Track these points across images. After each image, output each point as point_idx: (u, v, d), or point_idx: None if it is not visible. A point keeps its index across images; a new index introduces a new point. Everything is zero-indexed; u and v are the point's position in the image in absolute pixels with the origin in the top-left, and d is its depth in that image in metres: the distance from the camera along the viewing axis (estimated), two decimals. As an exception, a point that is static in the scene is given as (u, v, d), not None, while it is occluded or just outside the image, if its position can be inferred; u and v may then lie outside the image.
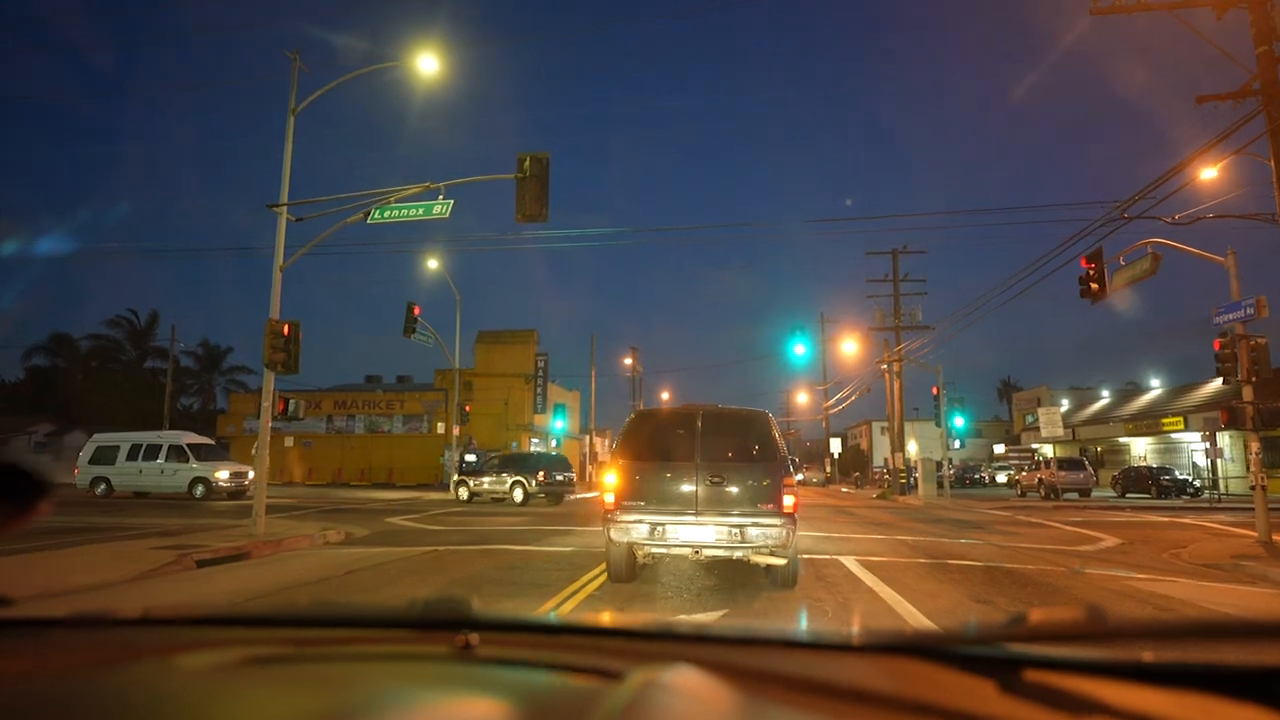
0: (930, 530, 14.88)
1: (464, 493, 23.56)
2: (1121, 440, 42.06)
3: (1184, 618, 1.00)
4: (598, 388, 43.41)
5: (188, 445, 22.99)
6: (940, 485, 30.51)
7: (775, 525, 7.04)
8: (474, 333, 43.48)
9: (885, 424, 42.93)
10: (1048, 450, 41.71)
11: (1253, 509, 21.69)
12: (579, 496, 29.79)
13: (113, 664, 0.98)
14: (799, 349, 38.27)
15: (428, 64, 12.38)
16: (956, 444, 31.45)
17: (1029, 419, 49.68)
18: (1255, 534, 12.73)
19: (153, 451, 22.86)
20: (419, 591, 7.55)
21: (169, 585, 7.89)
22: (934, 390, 30.69)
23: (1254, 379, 12.63)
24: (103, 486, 22.89)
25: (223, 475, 22.31)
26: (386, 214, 11.78)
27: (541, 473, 22.76)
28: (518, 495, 22.58)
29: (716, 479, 7.25)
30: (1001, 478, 45.44)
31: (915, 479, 31.78)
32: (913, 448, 40.26)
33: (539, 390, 41.57)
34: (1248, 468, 31.70)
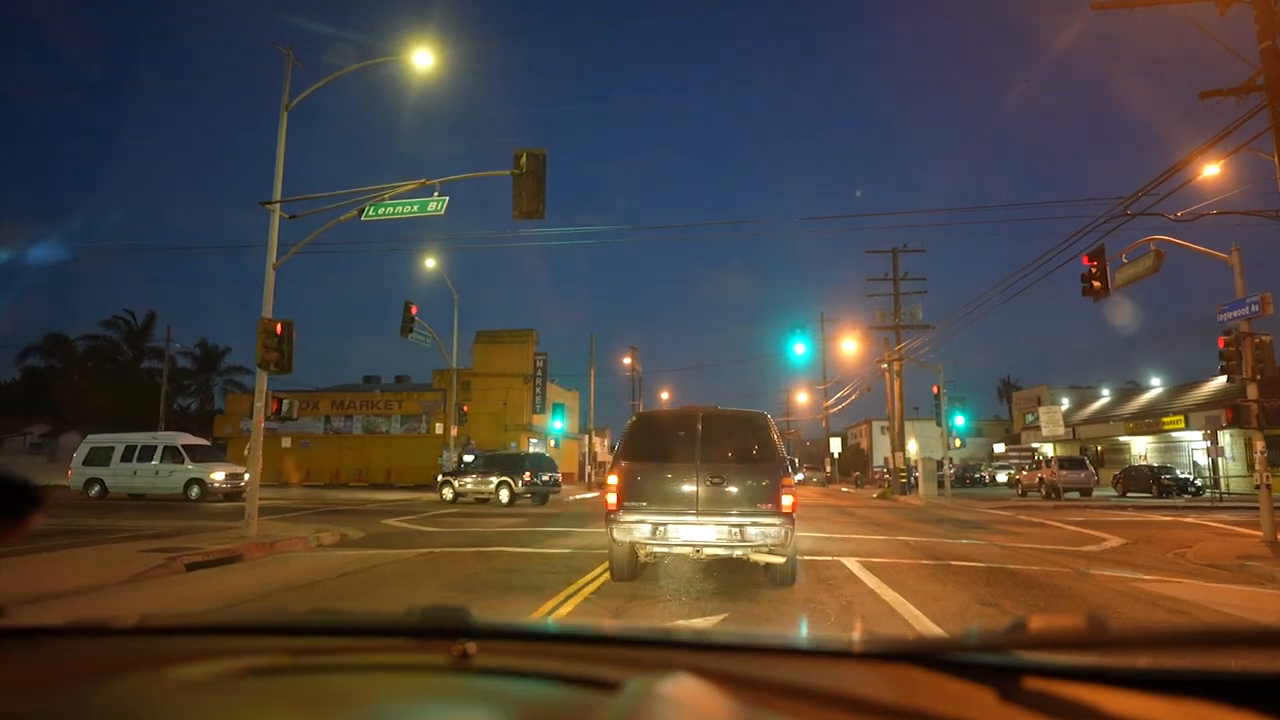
0: (932, 530, 14.74)
1: (448, 493, 23.53)
2: (1122, 439, 41.95)
3: (1185, 625, 0.94)
4: (597, 387, 43.23)
5: (183, 446, 22.82)
6: (941, 485, 30.37)
7: (774, 525, 7.15)
8: (473, 333, 43.38)
9: (885, 423, 42.80)
10: (1048, 449, 41.59)
11: (1256, 508, 21.55)
12: (578, 497, 29.65)
13: (107, 675, 0.97)
14: (799, 348, 38.16)
15: (423, 59, 12.23)
16: (957, 443, 31.31)
17: (1029, 418, 49.57)
18: (1260, 534, 12.59)
19: (147, 453, 22.69)
20: (412, 595, 7.41)
21: (156, 589, 7.74)
22: (934, 389, 30.56)
23: (1259, 377, 12.49)
24: (97, 488, 22.72)
25: (218, 476, 22.13)
26: (381, 211, 11.63)
27: (528, 473, 22.80)
28: (504, 496, 22.59)
29: (716, 480, 7.36)
30: (1002, 477, 45.33)
31: (916, 478, 31.64)
32: (913, 447, 40.13)
33: (538, 390, 41.42)
34: (1249, 467, 31.70)
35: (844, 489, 45.45)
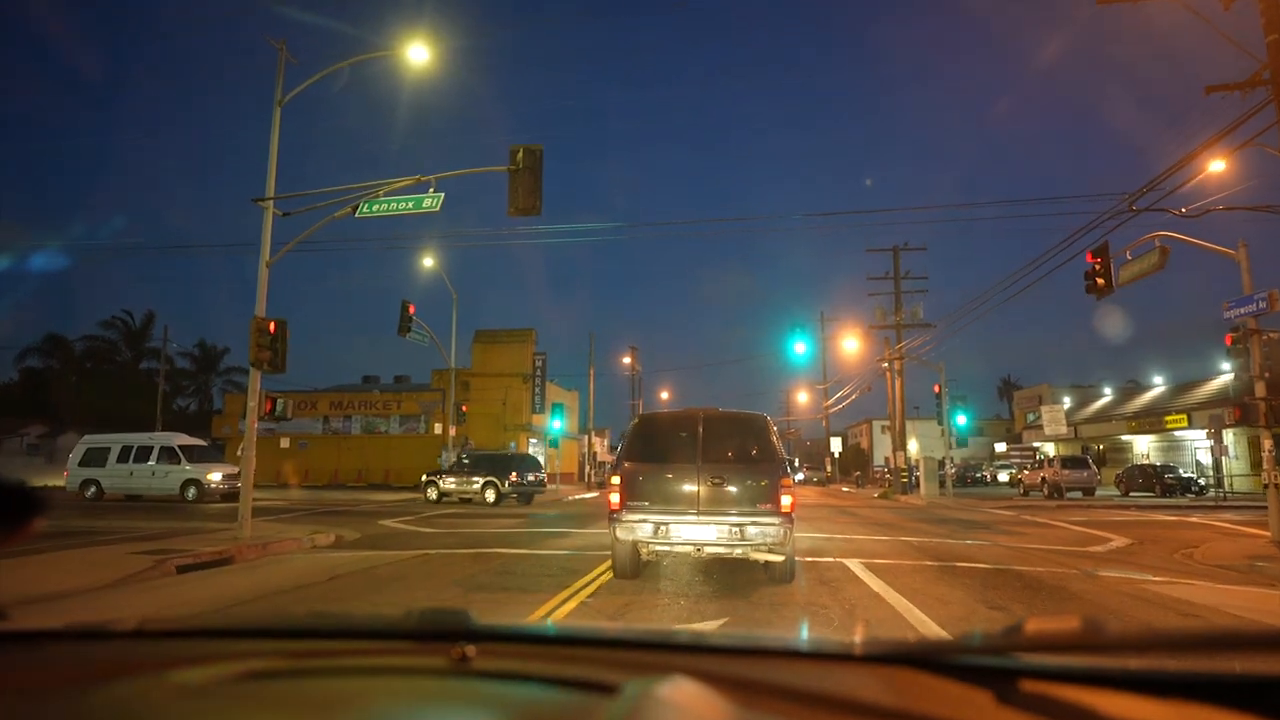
0: (935, 531, 14.56)
1: (433, 493, 23.55)
2: (1124, 438, 41.76)
3: (1184, 628, 0.94)
4: (596, 387, 43.11)
5: (179, 447, 22.64)
6: (942, 484, 30.21)
7: (773, 524, 7.32)
8: (472, 333, 43.21)
9: (886, 423, 42.62)
10: (1049, 449, 41.41)
11: (1261, 507, 21.39)
12: (578, 497, 29.50)
13: (108, 678, 0.96)
14: (799, 347, 37.99)
15: (418, 54, 12.05)
16: (959, 442, 31.14)
17: (1030, 417, 49.41)
18: (1269, 534, 12.43)
19: (144, 453, 22.51)
20: (405, 599, 7.25)
21: (142, 592, 7.57)
22: (935, 388, 30.37)
23: (1267, 374, 12.32)
24: (93, 489, 22.54)
25: (215, 477, 21.95)
26: (375, 208, 11.46)
27: (514, 474, 22.90)
28: (490, 496, 22.68)
29: (717, 480, 7.52)
30: (1003, 476, 45.16)
31: (917, 478, 31.46)
32: (913, 447, 39.93)
33: (537, 390, 41.27)
34: (1253, 465, 31.56)
35: (844, 489, 45.28)
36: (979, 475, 46.43)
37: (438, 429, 35.96)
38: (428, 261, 27.02)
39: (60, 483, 23.18)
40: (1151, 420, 38.08)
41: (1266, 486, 12.56)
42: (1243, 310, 12.49)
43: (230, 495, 21.79)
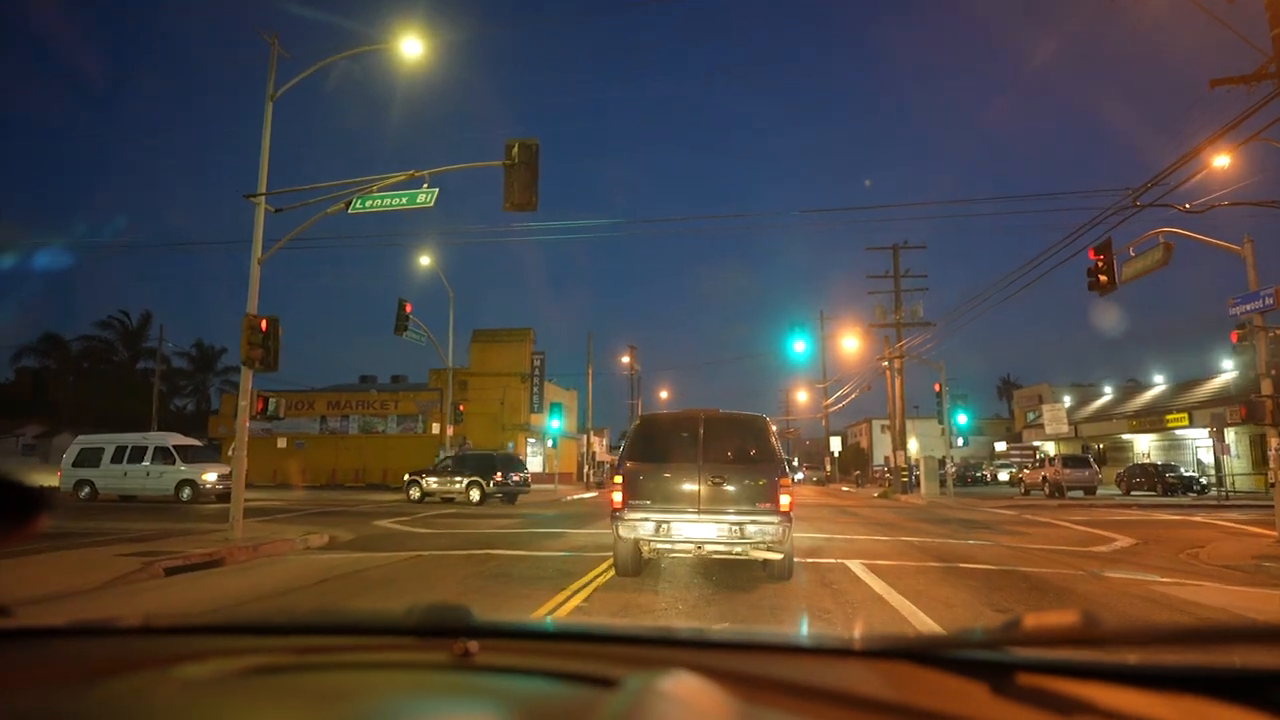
0: (937, 531, 14.39)
1: (415, 493, 23.56)
2: (1124, 437, 41.59)
3: (1180, 622, 0.78)
4: (595, 387, 42.94)
5: (174, 447, 22.45)
6: (943, 484, 30.04)
7: (772, 523, 7.47)
8: (470, 332, 43.04)
9: (886, 422, 42.42)
10: (1049, 448, 41.25)
11: (1264, 506, 21.24)
12: (576, 497, 29.32)
13: (113, 674, 0.97)
14: (799, 345, 37.79)
15: (412, 47, 11.87)
16: (960, 441, 30.97)
17: (1030, 416, 49.28)
18: (1274, 533, 12.27)
19: (138, 453, 22.31)
20: (395, 604, 7.07)
21: (127, 596, 7.39)
22: (936, 387, 30.20)
23: (1273, 372, 12.15)
24: (86, 490, 22.34)
25: (210, 477, 21.75)
26: (369, 204, 11.28)
27: (499, 473, 22.97)
28: (474, 495, 22.77)
29: (718, 480, 7.67)
30: (1003, 476, 44.98)
31: (917, 477, 31.29)
32: (913, 446, 39.77)
33: (535, 389, 41.08)
34: (1254, 464, 31.40)
35: (844, 488, 45.10)
36: (979, 474, 46.26)
37: (435, 429, 35.74)
38: (424, 260, 26.85)
39: (54, 483, 22.98)
40: (1152, 419, 37.91)
41: (1272, 485, 12.40)
42: (1249, 307, 12.32)
43: (226, 496, 21.58)
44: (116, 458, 22.42)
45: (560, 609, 6.54)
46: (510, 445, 39.09)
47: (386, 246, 45.72)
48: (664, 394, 58.17)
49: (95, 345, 50.13)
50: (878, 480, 50.02)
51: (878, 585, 7.65)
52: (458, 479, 23.21)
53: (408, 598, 7.26)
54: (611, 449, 57.11)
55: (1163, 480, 29.53)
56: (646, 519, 7.66)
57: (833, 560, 9.61)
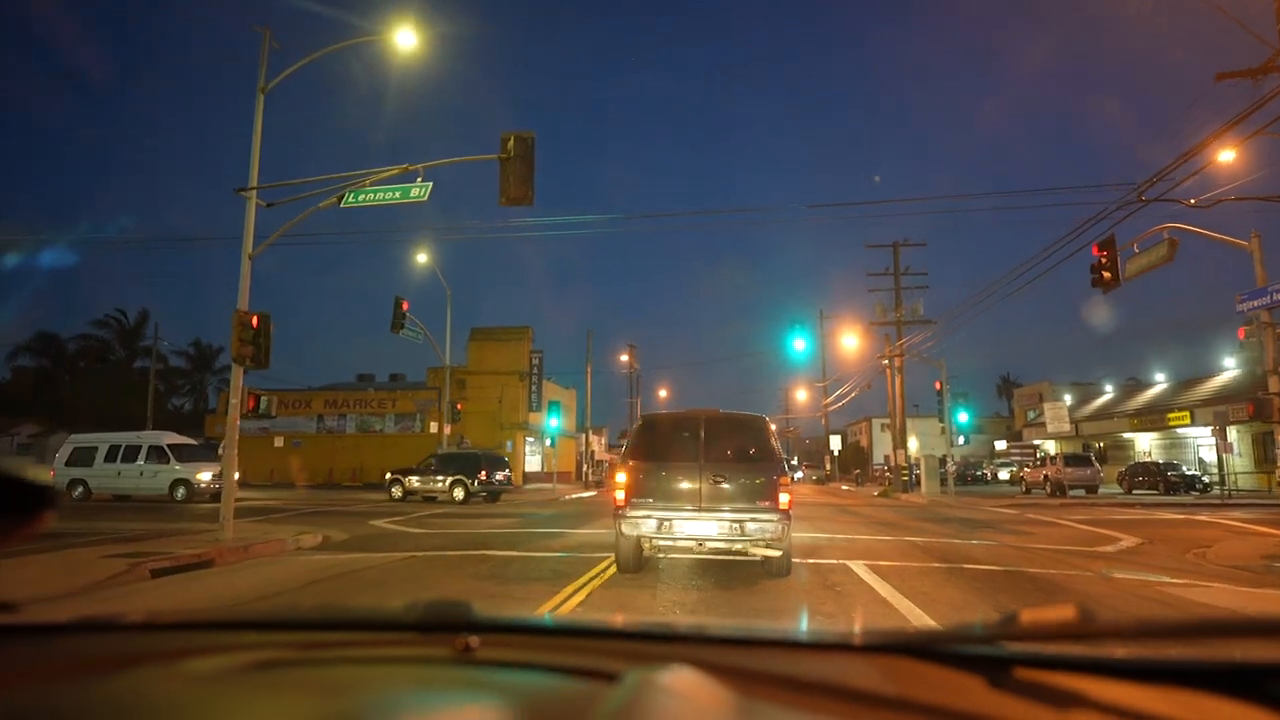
0: (939, 530, 14.20)
1: (398, 491, 23.57)
2: (1125, 436, 41.42)
3: (1176, 616, 0.88)
4: (594, 385, 42.72)
5: (168, 446, 22.25)
6: (943, 482, 29.87)
7: (772, 520, 7.64)
8: (468, 330, 42.81)
9: (885, 421, 42.23)
10: (1050, 446, 41.07)
11: (1268, 505, 21.09)
12: (575, 496, 29.11)
13: (119, 669, 0.97)
14: (798, 343, 37.56)
15: (405, 39, 11.67)
16: (960, 440, 30.79)
17: (1030, 415, 49.09)
18: (1282, 532, 12.10)
19: (132, 453, 22.11)
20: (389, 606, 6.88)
21: (107, 600, 7.17)
22: (937, 385, 30.02)
23: (1281, 369, 11.99)
24: (80, 490, 22.13)
25: (205, 477, 21.56)
26: (361, 198, 11.07)
27: (483, 472, 23.06)
28: (458, 494, 22.87)
29: (719, 478, 7.84)
30: (1004, 474, 44.84)
31: (917, 476, 31.10)
32: (913, 444, 39.60)
33: (533, 388, 40.88)
34: (1256, 463, 31.20)
35: (844, 487, 44.94)
36: (979, 473, 46.12)
37: (433, 428, 35.57)
38: (421, 257, 26.64)
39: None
40: (1154, 417, 37.75)
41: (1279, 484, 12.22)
42: (1256, 303, 12.16)
43: (221, 495, 21.42)
44: (110, 457, 22.22)
45: (558, 611, 6.36)
46: (508, 444, 38.91)
47: (385, 245, 45.63)
48: (663, 393, 58.06)
49: (92, 344, 49.92)
50: (877, 479, 49.86)
51: (881, 587, 7.46)
52: (440, 478, 23.27)
53: (400, 601, 7.06)
54: (610, 448, 56.94)
55: (1165, 479, 29.35)
56: (649, 516, 7.81)
57: (834, 561, 9.42)
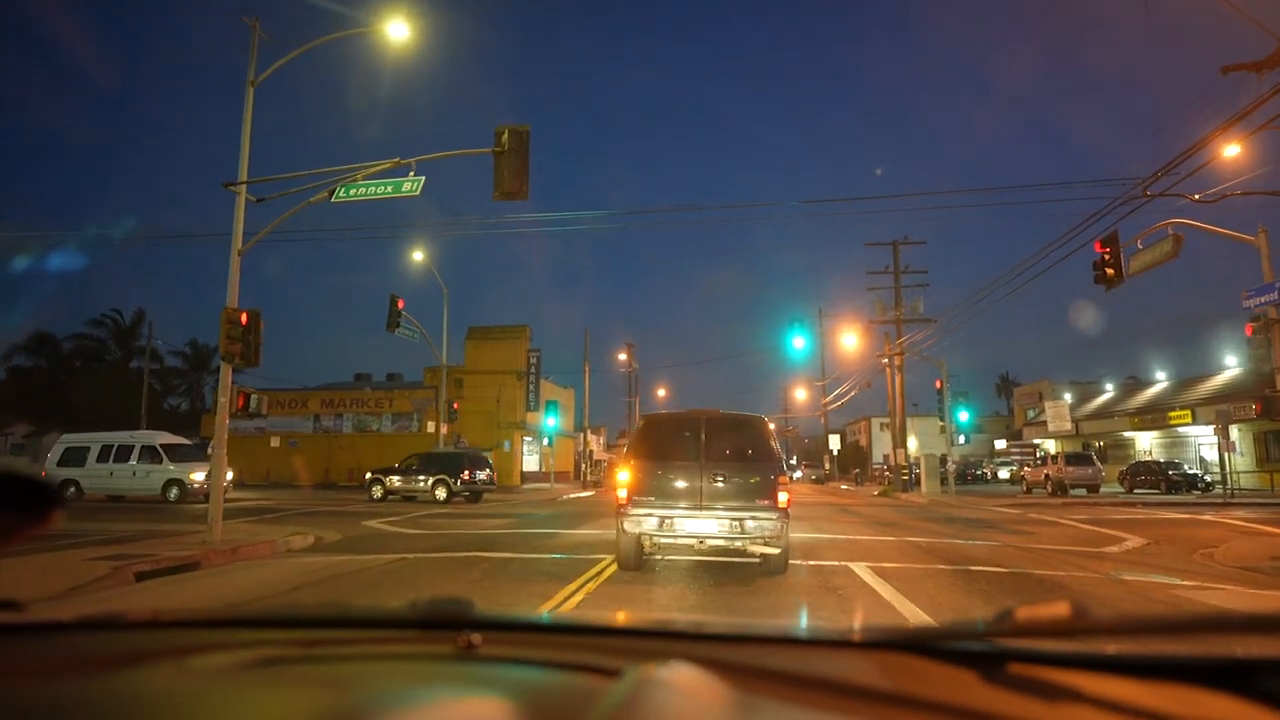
0: (942, 530, 13.99)
1: (378, 491, 23.43)
2: (1126, 435, 41.26)
3: (1169, 613, 0.87)
4: (592, 384, 42.54)
5: (161, 446, 22.00)
6: (944, 481, 29.68)
7: (771, 518, 7.79)
8: (465, 329, 42.57)
9: (884, 420, 42.07)
10: (1050, 445, 40.88)
11: (1273, 504, 20.90)
12: (572, 496, 28.91)
13: (126, 665, 0.98)
14: (798, 342, 37.38)
15: (398, 30, 11.44)
16: (961, 439, 30.60)
17: (1030, 414, 48.90)
18: (1291, 532, 11.90)
19: (124, 453, 21.86)
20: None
21: (83, 606, 6.95)
22: (937, 384, 29.81)
23: (1290, 366, 11.79)
24: (71, 490, 21.84)
25: (199, 477, 21.29)
26: (353, 192, 10.85)
27: (466, 472, 23.00)
28: (440, 494, 22.82)
29: (719, 477, 7.98)
30: (1004, 473, 44.66)
31: (917, 475, 30.90)
32: (913, 444, 39.41)
33: (531, 387, 40.68)
34: (1258, 461, 31.00)
35: (843, 486, 44.75)
36: (979, 472, 45.95)
37: (431, 427, 35.35)
38: (418, 255, 26.42)
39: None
40: (1154, 416, 37.58)
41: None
42: (1263, 299, 11.96)
43: (214, 496, 21.18)
44: (102, 457, 21.96)
45: (558, 611, 6.15)
46: (506, 444, 38.70)
47: (383, 244, 45.35)
48: (661, 392, 57.87)
49: (87, 344, 49.61)
50: (877, 478, 49.69)
51: (885, 590, 7.24)
52: (422, 477, 23.17)
53: (393, 605, 6.84)
54: (608, 447, 56.72)
55: (1167, 478, 29.16)
56: (650, 514, 7.96)
57: (836, 562, 9.21)
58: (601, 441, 56.22)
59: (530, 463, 43.29)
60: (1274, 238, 12.75)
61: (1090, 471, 29.24)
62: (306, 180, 11.44)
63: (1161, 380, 44.79)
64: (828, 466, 55.17)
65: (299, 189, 11.45)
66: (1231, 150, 13.71)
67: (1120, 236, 15.19)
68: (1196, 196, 14.40)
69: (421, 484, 23.14)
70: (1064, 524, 15.56)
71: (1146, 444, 40.34)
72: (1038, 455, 36.95)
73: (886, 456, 43.65)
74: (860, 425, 70.04)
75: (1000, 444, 52.28)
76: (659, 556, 9.23)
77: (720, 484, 7.95)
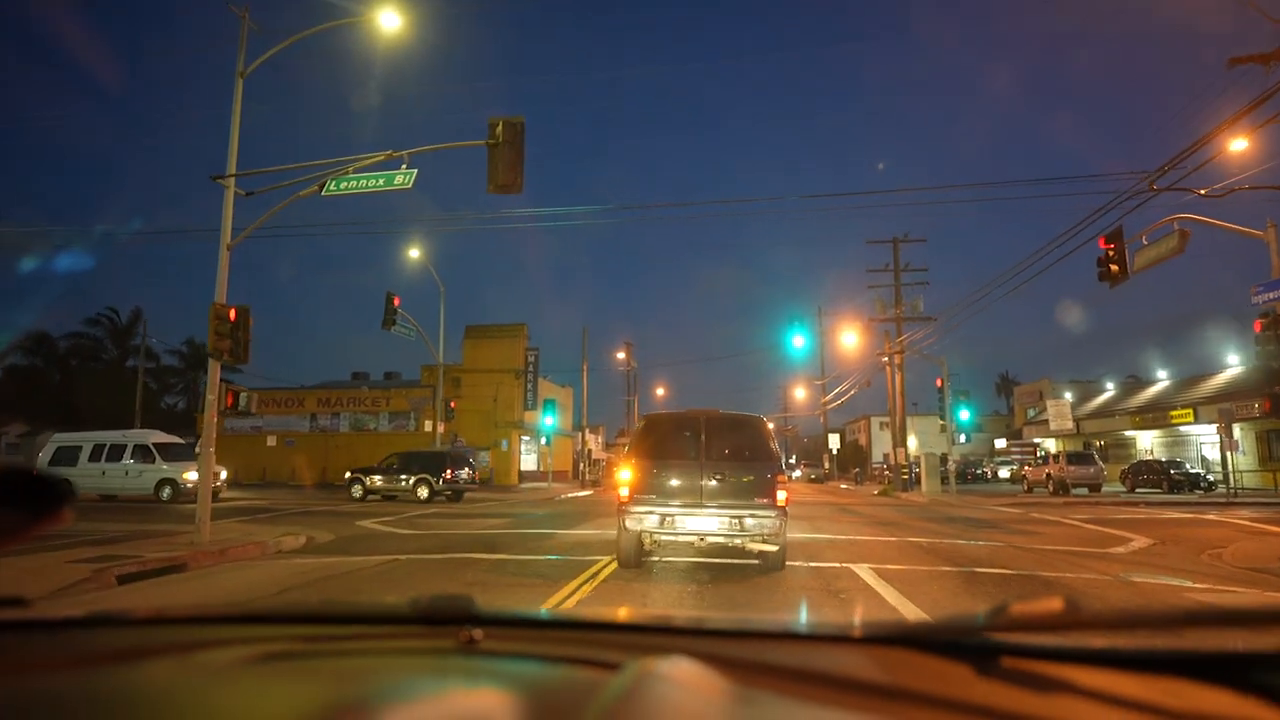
0: (944, 531, 13.78)
1: (358, 490, 23.27)
2: (1127, 433, 41.06)
3: (1161, 607, 0.98)
4: (591, 383, 42.30)
5: (154, 445, 21.77)
6: (944, 481, 29.47)
7: (769, 516, 7.91)
8: (462, 328, 42.33)
9: (884, 419, 41.89)
10: (1050, 444, 40.68)
11: (1277, 504, 20.70)
12: (570, 495, 28.69)
13: (129, 661, 0.99)
14: (798, 340, 37.17)
15: (389, 20, 11.20)
16: (962, 438, 30.37)
17: (1031, 413, 48.69)
18: (1299, 533, 11.69)
19: (116, 452, 21.62)
20: None
21: (76, 605, 6.72)
22: (938, 382, 29.57)
23: (1299, 363, 11.57)
24: (64, 489, 21.65)
25: (192, 476, 20.97)
26: (343, 185, 10.62)
27: (448, 471, 22.83)
28: (423, 493, 22.68)
29: (719, 476, 8.10)
30: (1004, 473, 44.50)
31: (918, 475, 30.69)
32: (913, 443, 39.21)
33: (529, 386, 40.46)
34: (1260, 461, 30.80)
35: (843, 485, 44.55)
36: (979, 472, 45.78)
37: (428, 426, 35.11)
38: (414, 253, 26.19)
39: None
40: (1156, 415, 37.38)
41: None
42: (1272, 295, 11.75)
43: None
44: (95, 456, 21.72)
45: (558, 608, 5.92)
46: (504, 443, 38.49)
47: (380, 242, 45.11)
48: (660, 390, 57.67)
49: (84, 343, 49.27)
50: (877, 478, 49.49)
51: (890, 595, 7.02)
52: (403, 476, 22.97)
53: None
54: (607, 446, 56.51)
55: (1169, 477, 28.94)
56: (651, 512, 8.06)
57: (837, 564, 8.99)
58: (600, 441, 56.00)
59: (528, 462, 43.06)
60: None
61: (1092, 471, 29.03)
62: (297, 173, 11.24)
63: (1163, 379, 44.56)
64: (827, 466, 54.98)
65: (289, 182, 11.25)
66: (1239, 144, 13.51)
67: (1124, 233, 15.00)
68: (1203, 191, 14.19)
69: (403, 483, 22.91)
70: (1067, 524, 15.36)
71: (1148, 443, 40.15)
72: (1038, 454, 36.75)
73: (886, 456, 43.47)
74: (860, 424, 69.84)
75: (1000, 443, 52.09)
76: (657, 557, 9.10)
77: (720, 482, 8.06)
